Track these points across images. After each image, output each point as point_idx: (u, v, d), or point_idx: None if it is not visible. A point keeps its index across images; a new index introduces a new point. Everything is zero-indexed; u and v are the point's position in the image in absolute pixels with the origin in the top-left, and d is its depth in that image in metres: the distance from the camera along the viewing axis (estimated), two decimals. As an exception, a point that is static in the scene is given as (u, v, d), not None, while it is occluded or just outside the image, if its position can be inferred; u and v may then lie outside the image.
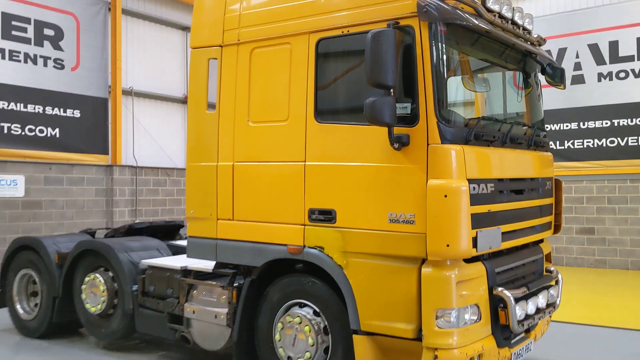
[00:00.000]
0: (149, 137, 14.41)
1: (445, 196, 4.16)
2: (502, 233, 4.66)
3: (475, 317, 4.39)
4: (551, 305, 5.23)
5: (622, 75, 13.30)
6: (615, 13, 13.40)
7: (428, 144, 4.27)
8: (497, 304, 4.54)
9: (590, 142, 13.56)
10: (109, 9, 13.50)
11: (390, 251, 4.43)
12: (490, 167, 4.64)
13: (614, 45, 13.41)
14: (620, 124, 13.23)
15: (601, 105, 13.44)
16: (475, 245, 4.31)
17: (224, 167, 5.33)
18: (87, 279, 6.61)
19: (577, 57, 13.81)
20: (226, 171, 5.31)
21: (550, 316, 5.58)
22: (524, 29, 5.31)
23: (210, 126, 5.44)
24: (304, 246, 4.82)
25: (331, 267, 4.68)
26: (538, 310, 4.95)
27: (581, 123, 13.66)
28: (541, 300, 5.00)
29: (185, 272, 5.79)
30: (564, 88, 5.93)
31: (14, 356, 6.67)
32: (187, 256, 5.67)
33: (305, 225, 4.82)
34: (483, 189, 4.46)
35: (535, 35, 5.63)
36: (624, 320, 8.16)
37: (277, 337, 5.01)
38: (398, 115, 4.26)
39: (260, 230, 5.11)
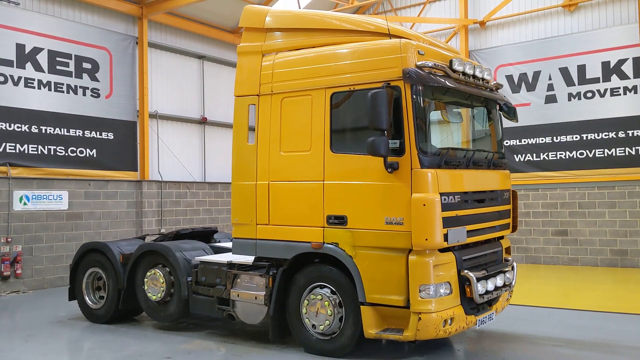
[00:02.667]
0: (171, 155, 16.04)
1: (424, 205, 5.96)
2: (467, 231, 6.45)
3: (447, 291, 6.18)
4: (507, 286, 7.02)
5: (589, 95, 15.02)
6: (583, 40, 15.16)
7: (412, 169, 6.09)
8: (464, 282, 6.33)
9: (562, 154, 15.25)
10: (137, 43, 15.27)
11: (386, 244, 6.23)
12: (457, 183, 6.45)
13: (581, 69, 15.12)
14: (589, 138, 14.94)
15: (571, 121, 15.16)
16: (446, 239, 6.11)
17: (262, 185, 7.13)
18: (148, 273, 8.34)
19: (550, 79, 15.57)
20: (263, 188, 7.11)
21: (511, 295, 7.37)
22: (483, 79, 7.14)
23: (250, 154, 7.25)
24: (324, 242, 6.62)
25: (344, 257, 6.48)
26: (496, 288, 6.74)
27: (554, 137, 15.37)
28: (499, 281, 6.79)
29: (231, 265, 7.55)
30: (517, 121, 7.74)
31: (90, 335, 8.40)
32: (232, 253, 7.47)
33: (324, 227, 6.63)
34: (452, 199, 6.27)
35: (494, 83, 7.46)
36: (584, 304, 9.93)
37: (303, 311, 6.79)
38: (390, 148, 6.07)
39: (289, 231, 6.90)
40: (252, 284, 7.29)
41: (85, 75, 14.07)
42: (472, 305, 6.47)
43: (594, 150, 14.91)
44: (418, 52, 6.24)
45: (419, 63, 6.16)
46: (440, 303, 6.07)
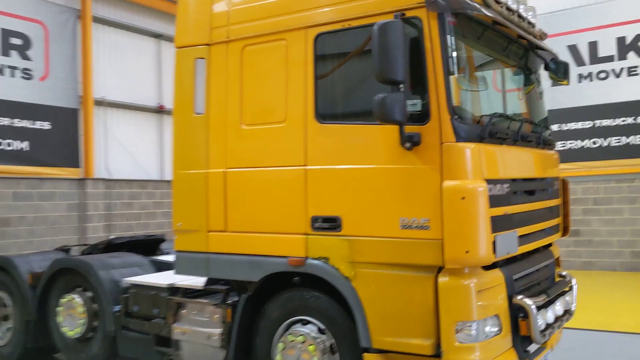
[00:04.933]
0: (123, 149, 13.91)
1: (463, 198, 3.83)
2: (518, 237, 4.36)
3: (496, 329, 4.07)
4: (567, 312, 4.94)
5: (602, 75, 13.30)
6: (594, 13, 13.40)
7: (442, 143, 3.95)
8: (516, 314, 4.22)
9: (573, 143, 13.50)
10: (79, 17, 12.97)
11: (402, 260, 4.08)
12: (505, 166, 4.35)
13: (593, 46, 13.41)
14: (603, 125, 13.20)
15: (583, 106, 13.41)
16: (494, 250, 4.00)
17: (215, 175, 4.92)
18: (63, 300, 6.12)
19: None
20: (218, 178, 4.91)
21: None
22: (529, 22, 5.07)
23: (198, 131, 5.03)
24: (307, 257, 4.44)
25: (337, 280, 4.31)
26: (557, 319, 4.65)
27: (563, 124, 13.58)
28: (558, 307, 4.71)
29: (173, 289, 5.36)
30: (568, 84, 5.71)
31: (-16, 387, 6.13)
32: (175, 272, 5.23)
33: (307, 234, 4.44)
34: (499, 190, 4.16)
35: (538, 29, 5.39)
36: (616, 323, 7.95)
37: (277, 358, 4.60)
38: (408, 112, 3.93)
39: (256, 241, 4.72)
40: (204, 318, 5.10)
41: (14, 53, 11.88)
42: (526, 345, 4.38)
43: (609, 139, 13.14)
44: None
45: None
46: (487, 349, 3.96)
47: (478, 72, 4.95)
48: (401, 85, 3.84)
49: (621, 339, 7.21)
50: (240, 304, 4.80)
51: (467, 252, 3.83)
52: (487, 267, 4.12)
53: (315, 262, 4.40)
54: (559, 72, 5.55)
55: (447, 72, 3.97)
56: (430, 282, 3.99)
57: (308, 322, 4.53)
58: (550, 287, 4.78)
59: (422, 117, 4.03)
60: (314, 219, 4.42)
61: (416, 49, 4.05)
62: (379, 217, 4.16)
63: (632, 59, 12.98)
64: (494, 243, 3.98)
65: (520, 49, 5.16)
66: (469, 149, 3.95)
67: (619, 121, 13.03)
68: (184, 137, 5.19)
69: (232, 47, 4.90)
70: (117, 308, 5.72)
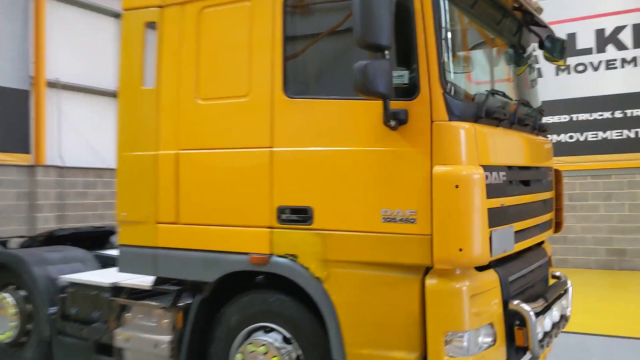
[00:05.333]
0: (78, 134, 12.99)
1: (457, 186, 3.25)
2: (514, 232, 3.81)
3: (489, 340, 3.51)
4: (563, 318, 4.42)
5: (580, 68, 12.96)
6: (572, 4, 13.03)
7: (432, 121, 3.35)
8: (512, 322, 3.66)
9: (548, 137, 13.12)
10: (31, -8, 12.03)
11: (384, 258, 3.47)
12: (501, 151, 3.79)
13: (571, 38, 13.01)
14: (580, 119, 12.88)
15: (559, 99, 13.00)
16: (490, 248, 3.42)
17: (166, 157, 4.23)
18: (-7, 299, 5.35)
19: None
20: (169, 162, 4.22)
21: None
22: (525, -7, 4.52)
23: (147, 105, 4.33)
24: (271, 254, 3.80)
25: (307, 281, 3.68)
26: (554, 326, 4.11)
27: (539, 118, 13.22)
28: (555, 313, 4.18)
29: (116, 289, 4.67)
30: (564, 64, 5.18)
31: None
32: (118, 270, 4.53)
33: (272, 228, 3.80)
34: (495, 178, 3.59)
35: (534, 1, 4.85)
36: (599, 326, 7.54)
37: (236, 370, 3.96)
38: (394, 85, 3.32)
39: (213, 235, 4.05)
40: (151, 323, 4.42)
41: (-45, 29, 10.79)
42: (520, 357, 3.82)
43: (585, 133, 12.79)
44: None
45: None
46: (481, 363, 3.38)
47: (472, 47, 4.38)
48: (386, 52, 3.22)
49: (609, 343, 6.77)
50: (194, 308, 4.14)
51: (460, 250, 3.25)
52: (480, 268, 3.56)
53: (281, 260, 3.76)
54: (555, 51, 5.04)
55: (440, 38, 3.37)
56: (416, 285, 3.39)
57: (272, 330, 3.90)
58: (547, 290, 4.25)
59: (409, 91, 3.42)
60: (281, 210, 3.77)
61: (404, 11, 3.45)
62: (357, 209, 3.54)
63: (610, 52, 12.67)
64: (489, 240, 3.42)
65: (514, 24, 4.62)
66: (464, 129, 3.36)
67: (596, 115, 12.72)
68: (131, 115, 4.48)
69: (188, 10, 4.20)
70: (53, 309, 5.00)
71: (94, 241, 6.57)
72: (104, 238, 6.74)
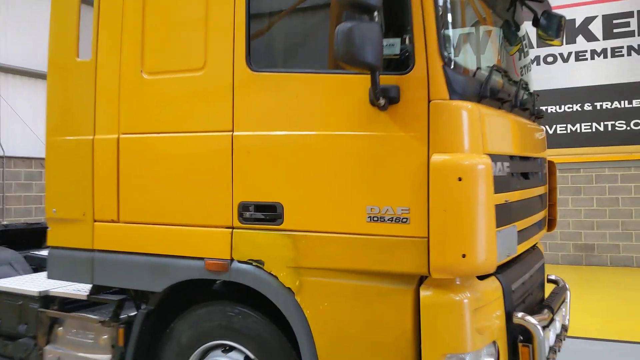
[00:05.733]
0: (20, 122, 12.14)
1: (460, 179, 2.67)
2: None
3: (491, 360, 2.96)
4: (563, 328, 3.93)
5: (549, 59, 12.74)
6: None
7: (429, 100, 2.76)
8: (516, 337, 3.13)
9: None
10: (-35, -37, 11.04)
11: (369, 266, 2.88)
12: (505, 138, 3.25)
13: (540, 29, 12.81)
14: (548, 111, 12.61)
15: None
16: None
17: (105, 142, 3.54)
18: None
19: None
20: (108, 148, 3.53)
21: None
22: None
23: (82, 81, 3.63)
24: (232, 260, 3.16)
25: (275, 292, 3.06)
26: (557, 338, 3.61)
27: (508, 110, 12.95)
28: (558, 324, 3.67)
29: (47, 299, 3.97)
30: (561, 44, 4.69)
31: None
32: (48, 277, 3.83)
33: (234, 228, 3.16)
34: (500, 170, 3.04)
35: (529, -29, 4.33)
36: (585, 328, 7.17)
37: (189, 397, 3.32)
38: (384, 56, 2.71)
39: (161, 237, 3.39)
40: (87, 339, 3.79)
41: None
42: (522, 377, 3.30)
43: (554, 126, 12.57)
44: None
45: None
46: (483, 391, 2.83)
47: (470, 21, 3.81)
48: (375, 13, 2.62)
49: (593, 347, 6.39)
50: (138, 322, 3.49)
51: (463, 255, 2.68)
52: (480, 276, 3.01)
53: (244, 266, 3.13)
54: (551, 29, 4.52)
55: (440, 3, 2.79)
56: (408, 298, 2.82)
57: (232, 349, 3.29)
58: (551, 298, 3.74)
59: (401, 63, 2.83)
60: (243, 207, 3.13)
61: (395, -33, 2.84)
62: (336, 206, 2.94)
63: (580, 43, 12.47)
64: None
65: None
66: (466, 110, 2.79)
67: (565, 108, 12.51)
68: (62, 92, 3.79)
69: (132, -35, 3.51)
70: (-29, 323, 4.25)
71: (28, 240, 5.80)
72: (40, 236, 5.95)
